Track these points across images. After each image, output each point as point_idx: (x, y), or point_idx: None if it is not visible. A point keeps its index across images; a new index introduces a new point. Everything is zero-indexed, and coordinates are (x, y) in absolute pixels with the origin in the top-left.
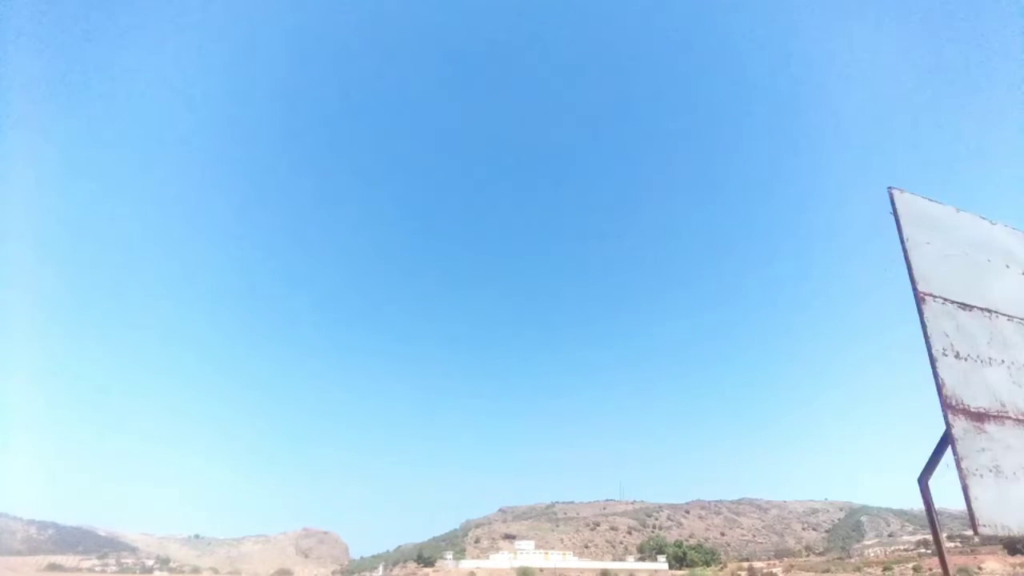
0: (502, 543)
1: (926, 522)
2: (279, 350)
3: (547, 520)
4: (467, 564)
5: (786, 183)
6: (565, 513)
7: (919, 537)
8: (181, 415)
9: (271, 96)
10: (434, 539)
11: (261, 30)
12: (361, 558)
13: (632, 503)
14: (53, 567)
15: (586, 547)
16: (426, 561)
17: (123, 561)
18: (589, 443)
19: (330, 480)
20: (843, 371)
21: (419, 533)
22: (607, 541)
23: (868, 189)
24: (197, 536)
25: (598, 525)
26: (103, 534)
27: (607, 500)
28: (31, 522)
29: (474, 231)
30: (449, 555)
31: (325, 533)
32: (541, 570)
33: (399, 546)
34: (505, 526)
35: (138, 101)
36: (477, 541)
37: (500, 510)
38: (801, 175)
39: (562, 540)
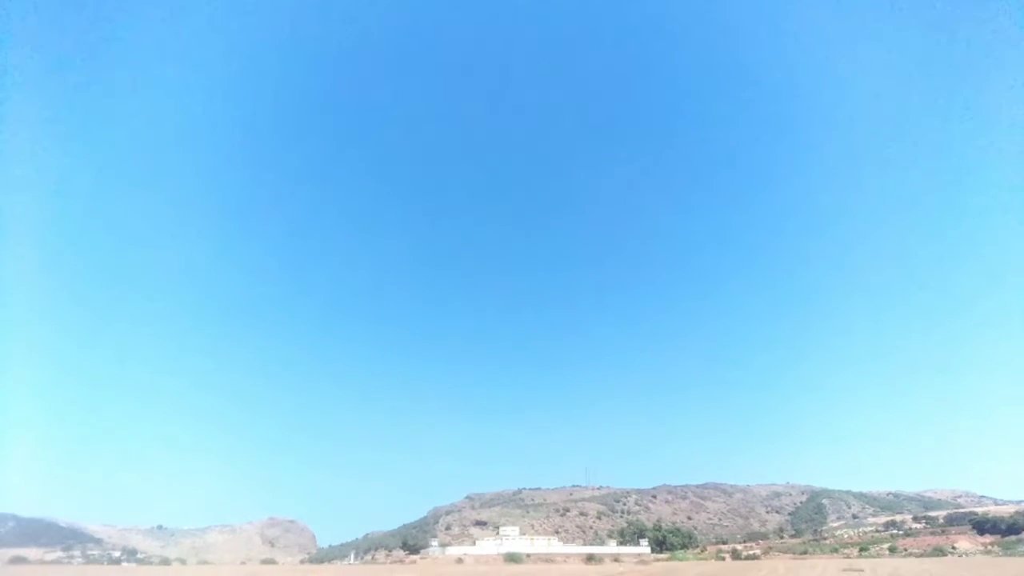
0: (473, 530)
1: (886, 504)
2: (241, 338)
3: (516, 507)
4: (454, 550)
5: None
6: (532, 499)
7: (884, 519)
8: (142, 403)
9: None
10: (404, 527)
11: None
12: (329, 546)
13: (599, 488)
14: (17, 559)
15: (557, 533)
16: (411, 548)
17: (89, 553)
18: (555, 429)
19: (295, 469)
20: (803, 355)
21: (385, 521)
22: (577, 526)
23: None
24: (160, 527)
25: (568, 511)
26: (64, 525)
27: (573, 486)
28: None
29: (432, 206)
30: (435, 542)
31: (291, 522)
32: (528, 555)
33: (367, 534)
34: (475, 513)
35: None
36: (448, 528)
37: (467, 497)
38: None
39: (532, 526)
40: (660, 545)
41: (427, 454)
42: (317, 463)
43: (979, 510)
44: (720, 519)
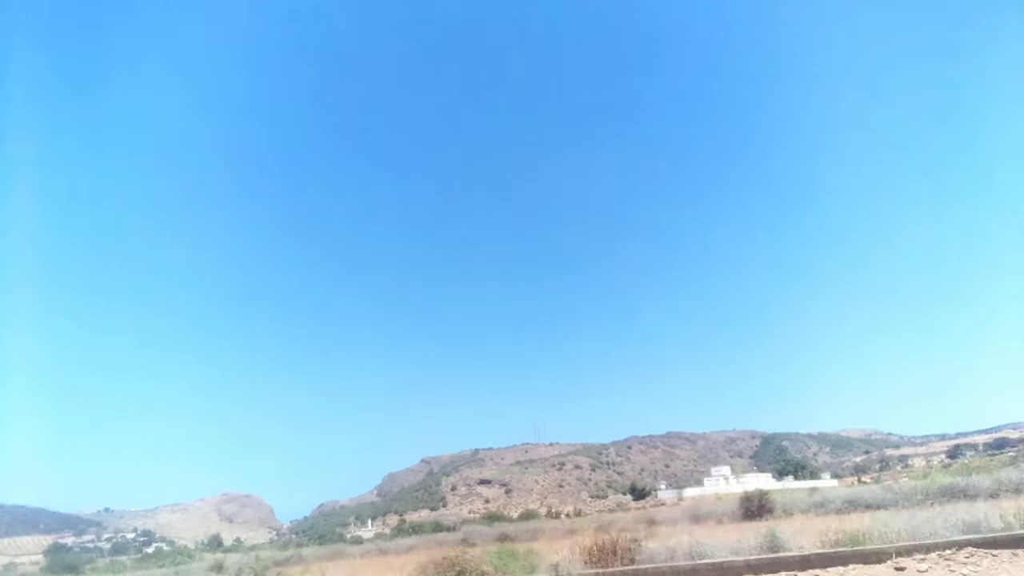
0: (479, 488)
1: (841, 444)
2: (182, 305)
3: (514, 464)
4: (689, 491)
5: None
6: (492, 459)
7: (860, 458)
8: (81, 372)
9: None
10: (403, 490)
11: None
12: (293, 521)
13: (551, 445)
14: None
15: (560, 487)
16: (639, 494)
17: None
18: (505, 389)
19: (246, 442)
20: (737, 298)
21: (340, 491)
22: (577, 479)
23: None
24: (107, 509)
25: (563, 465)
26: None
27: (525, 443)
28: None
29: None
30: (663, 485)
31: (247, 496)
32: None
33: (321, 504)
34: (479, 472)
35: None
36: (453, 489)
37: (423, 460)
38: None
39: (537, 481)
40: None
41: (380, 420)
42: (267, 434)
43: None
44: (694, 465)
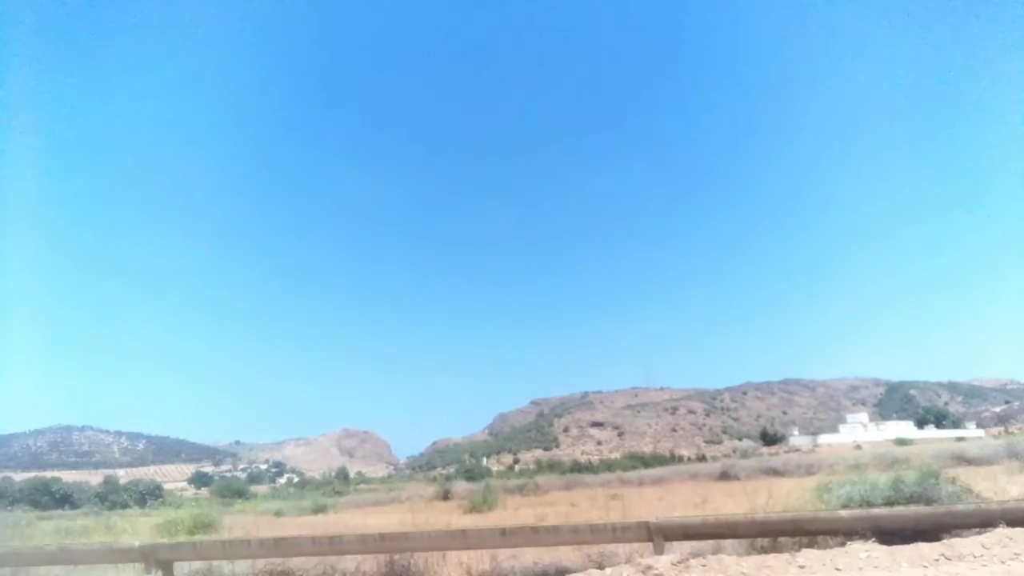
0: (592, 431)
1: (974, 394)
2: (305, 256)
3: (626, 408)
4: (824, 439)
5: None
6: (601, 403)
7: (999, 408)
8: (215, 318)
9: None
10: (515, 430)
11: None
12: (409, 457)
13: (661, 389)
14: (201, 476)
15: (673, 431)
16: (769, 439)
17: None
18: (614, 332)
19: (366, 379)
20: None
21: (451, 429)
22: (691, 424)
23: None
24: (238, 442)
25: (676, 410)
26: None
27: (634, 387)
28: (119, 433)
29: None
30: (795, 431)
31: (365, 433)
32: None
33: (434, 442)
34: (590, 414)
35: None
36: (566, 430)
37: (532, 402)
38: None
39: (649, 425)
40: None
41: (489, 363)
42: (385, 373)
43: None
44: (813, 412)
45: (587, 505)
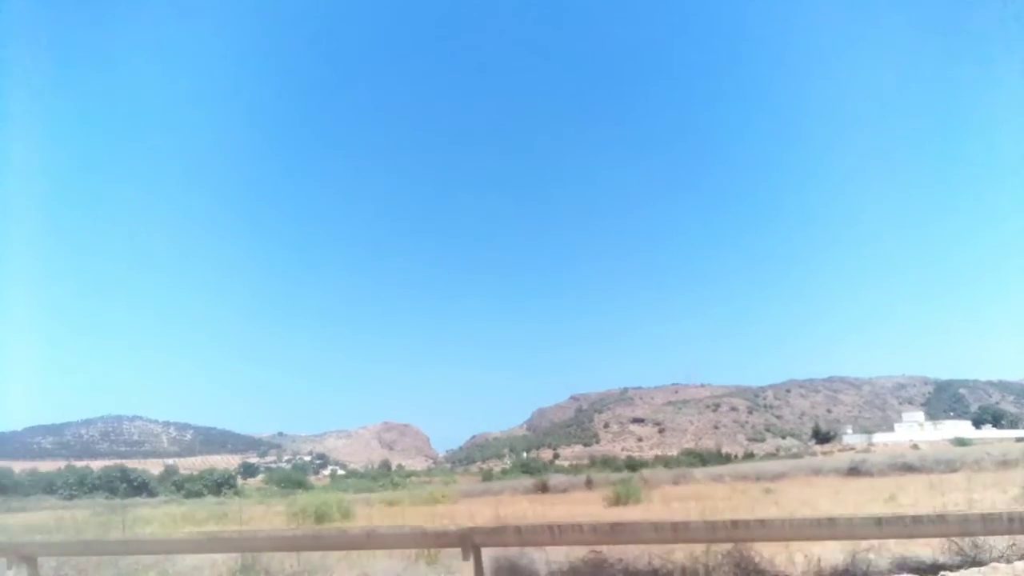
0: (632, 427)
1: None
2: (346, 248)
3: (667, 404)
4: (878, 437)
5: None
6: (641, 399)
7: None
8: (261, 314)
9: None
10: (554, 425)
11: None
12: (448, 451)
13: (702, 386)
14: (248, 467)
15: (715, 428)
16: (822, 438)
17: (285, 459)
18: (657, 328)
19: (407, 373)
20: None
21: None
22: (734, 421)
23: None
24: (281, 433)
25: (718, 407)
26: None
27: (675, 384)
28: (168, 424)
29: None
30: (848, 430)
31: (405, 426)
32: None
33: (472, 436)
34: (630, 410)
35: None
36: (606, 426)
37: (571, 397)
38: None
39: (691, 422)
40: None
41: (528, 358)
42: (424, 367)
43: None
44: (860, 411)
45: (740, 499)
